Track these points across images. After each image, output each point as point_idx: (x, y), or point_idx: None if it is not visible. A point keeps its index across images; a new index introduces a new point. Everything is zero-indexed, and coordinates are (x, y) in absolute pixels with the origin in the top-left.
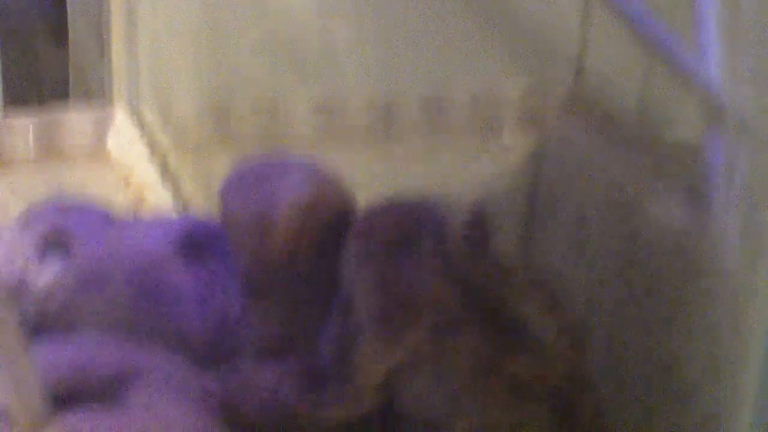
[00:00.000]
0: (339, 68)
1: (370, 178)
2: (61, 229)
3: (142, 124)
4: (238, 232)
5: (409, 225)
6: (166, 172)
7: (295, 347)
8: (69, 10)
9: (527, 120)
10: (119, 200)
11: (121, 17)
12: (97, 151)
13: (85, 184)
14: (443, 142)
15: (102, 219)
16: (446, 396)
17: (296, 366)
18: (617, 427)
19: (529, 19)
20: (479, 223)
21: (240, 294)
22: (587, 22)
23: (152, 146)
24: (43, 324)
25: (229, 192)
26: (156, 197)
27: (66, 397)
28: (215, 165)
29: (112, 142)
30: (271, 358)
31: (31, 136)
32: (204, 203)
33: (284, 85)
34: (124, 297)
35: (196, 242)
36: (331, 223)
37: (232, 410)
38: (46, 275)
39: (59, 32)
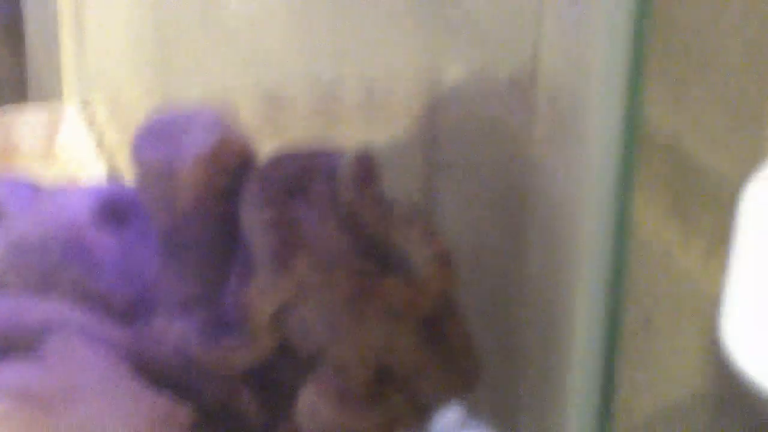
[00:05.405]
0: (282, 57)
1: None
2: None
3: (92, 123)
4: (148, 183)
5: (303, 171)
6: (113, 169)
7: (204, 299)
8: (24, 11)
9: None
10: None
11: (70, 17)
12: (48, 150)
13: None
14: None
15: (30, 191)
16: (325, 327)
17: (202, 317)
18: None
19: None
20: (364, 162)
21: (157, 253)
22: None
23: (101, 144)
24: None
25: (139, 144)
26: None
27: None
28: None
29: (61, 141)
30: (182, 312)
31: None
32: None
33: (231, 78)
34: (47, 264)
35: (118, 208)
36: (234, 171)
37: (142, 361)
38: None
39: (15, 34)
